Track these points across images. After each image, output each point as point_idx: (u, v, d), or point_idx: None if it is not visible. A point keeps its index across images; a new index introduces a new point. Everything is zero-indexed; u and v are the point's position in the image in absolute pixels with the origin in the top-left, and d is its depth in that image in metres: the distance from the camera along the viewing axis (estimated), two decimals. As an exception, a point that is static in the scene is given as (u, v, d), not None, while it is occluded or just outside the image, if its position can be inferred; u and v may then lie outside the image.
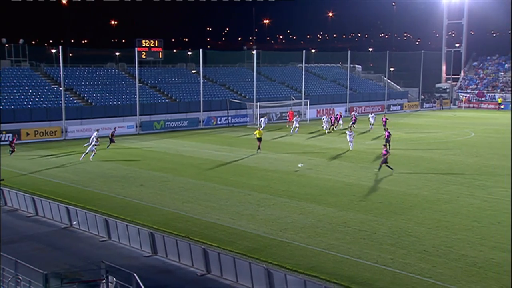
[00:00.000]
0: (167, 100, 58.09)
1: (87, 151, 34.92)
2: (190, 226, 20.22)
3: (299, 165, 31.80)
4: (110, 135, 40.39)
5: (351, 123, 49.55)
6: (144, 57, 61.01)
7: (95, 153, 35.01)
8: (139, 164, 33.51)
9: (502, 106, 76.14)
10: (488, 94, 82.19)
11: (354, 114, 53.51)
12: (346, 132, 39.90)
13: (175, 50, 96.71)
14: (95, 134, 37.11)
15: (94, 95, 54.31)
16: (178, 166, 32.66)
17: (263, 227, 20.04)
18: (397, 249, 17.66)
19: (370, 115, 53.33)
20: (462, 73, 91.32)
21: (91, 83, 57.06)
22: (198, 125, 55.08)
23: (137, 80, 53.71)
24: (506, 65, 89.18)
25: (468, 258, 16.82)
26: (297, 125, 48.26)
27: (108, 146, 39.49)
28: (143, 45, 60.81)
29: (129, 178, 29.07)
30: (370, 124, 51.22)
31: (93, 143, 35.29)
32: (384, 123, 47.94)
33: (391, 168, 29.95)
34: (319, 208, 22.78)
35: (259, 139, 36.85)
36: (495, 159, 34.64)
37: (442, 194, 25.10)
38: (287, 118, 57.02)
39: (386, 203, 23.51)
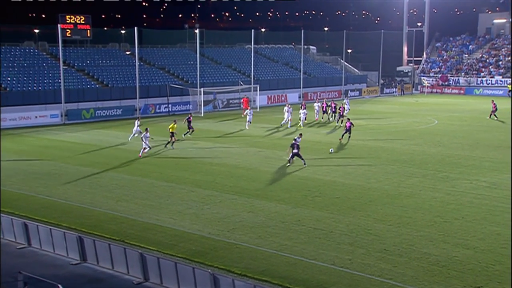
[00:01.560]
0: (97, 85, 57.03)
1: (146, 147, 33.28)
2: (125, 228, 20.07)
3: (330, 150, 33.77)
4: (186, 121, 39.86)
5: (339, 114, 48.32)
6: (69, 35, 59.36)
7: (147, 149, 33.45)
8: (65, 158, 32.88)
9: None
10: (452, 78, 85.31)
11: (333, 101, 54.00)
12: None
13: (105, 28, 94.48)
14: (137, 123, 38.00)
15: (9, 79, 52.42)
16: (111, 161, 32.26)
17: (209, 228, 20.06)
18: (356, 248, 18.02)
19: (345, 100, 54.61)
20: (424, 55, 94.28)
21: (4, 64, 54.89)
22: (134, 114, 54.15)
23: (61, 62, 52.39)
24: (470, 46, 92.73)
25: (430, 256, 17.33)
26: (250, 117, 45.53)
27: (186, 134, 39.45)
28: (68, 21, 58.99)
29: (53, 175, 28.47)
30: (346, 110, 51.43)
31: (143, 137, 33.48)
32: (333, 109, 49.03)
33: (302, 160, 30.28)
34: (270, 205, 22.91)
35: (172, 134, 35.78)
36: (459, 148, 35.97)
37: (404, 188, 25.68)
38: (242, 105, 56.69)
39: (344, 199, 23.86)
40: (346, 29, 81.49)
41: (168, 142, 36.02)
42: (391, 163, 31.20)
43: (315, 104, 51.28)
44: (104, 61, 63.01)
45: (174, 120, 38.58)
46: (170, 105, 57.03)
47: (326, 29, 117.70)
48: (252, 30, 66.79)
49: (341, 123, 45.46)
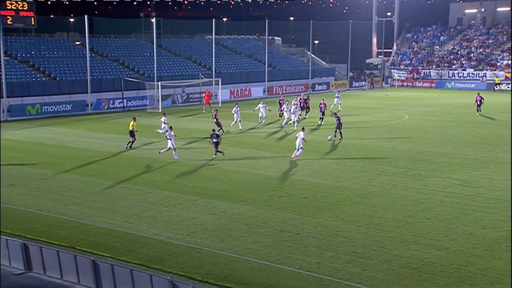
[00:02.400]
0: (44, 79, 56.12)
1: (171, 147, 31.63)
2: (76, 234, 19.87)
3: (329, 137, 35.17)
4: (214, 118, 39.25)
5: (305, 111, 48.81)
6: (11, 23, 57.87)
7: (168, 150, 31.95)
8: (8, 158, 32.22)
9: (500, 87, 75.78)
10: (423, 70, 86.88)
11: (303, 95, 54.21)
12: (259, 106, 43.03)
13: (52, 16, 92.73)
14: (164, 119, 38.02)
15: None
16: (59, 160, 31.95)
17: (167, 231, 20.03)
18: (324, 251, 18.19)
19: (337, 94, 55.53)
20: (394, 47, 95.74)
21: None
22: (86, 110, 53.67)
23: (1, 52, 51.00)
24: (441, 37, 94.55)
25: (401, 258, 17.59)
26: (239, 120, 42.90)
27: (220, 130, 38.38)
28: (8, 7, 57.38)
29: None
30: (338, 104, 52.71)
31: (167, 135, 32.18)
32: (302, 103, 48.81)
33: (221, 153, 31.68)
34: (233, 206, 22.99)
35: (132, 133, 35.10)
36: (431, 145, 36.67)
37: (374, 187, 26.06)
38: (203, 100, 56.18)
39: (311, 199, 24.06)
40: (313, 19, 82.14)
41: (129, 142, 35.30)
42: (361, 161, 31.57)
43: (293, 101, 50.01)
44: (51, 52, 61.89)
45: (134, 117, 37.85)
46: (125, 100, 56.48)
47: (291, 18, 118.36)
48: (213, 20, 66.88)
49: (322, 121, 45.17)
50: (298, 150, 31.31)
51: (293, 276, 16.37)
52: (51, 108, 51.42)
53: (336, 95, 54.88)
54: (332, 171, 29.18)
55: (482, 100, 52.03)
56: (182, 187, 25.91)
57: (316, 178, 27.63)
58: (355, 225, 20.60)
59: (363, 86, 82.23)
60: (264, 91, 69.00)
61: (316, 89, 76.18)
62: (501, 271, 16.62)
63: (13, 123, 46.36)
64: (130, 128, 35.33)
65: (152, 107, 55.91)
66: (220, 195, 24.59)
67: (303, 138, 31.30)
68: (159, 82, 55.55)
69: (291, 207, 22.82)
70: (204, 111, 52.88)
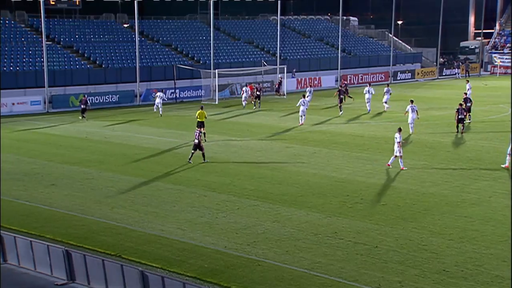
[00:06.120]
0: (88, 66, 57.57)
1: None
2: (123, 241, 20.11)
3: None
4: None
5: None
6: (53, 3, 60.00)
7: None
8: (50, 155, 32.99)
9: None
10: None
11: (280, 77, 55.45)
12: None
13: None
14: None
15: (-21, 56, 53.17)
16: (105, 158, 32.40)
17: (224, 240, 20.06)
18: (407, 268, 17.88)
19: (386, 88, 51.15)
20: (497, 27, 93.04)
21: (-28, 38, 55.80)
22: (134, 101, 54.75)
23: (44, 36, 52.67)
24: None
25: (504, 280, 17.00)
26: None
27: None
28: (51, -14, 59.74)
29: (34, 175, 28.64)
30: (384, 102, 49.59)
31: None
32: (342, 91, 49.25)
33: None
34: (300, 213, 22.87)
35: (201, 124, 35.58)
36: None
37: (469, 193, 25.44)
38: (248, 93, 55.77)
39: (392, 206, 23.75)
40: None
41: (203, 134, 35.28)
42: (452, 162, 31.02)
43: (366, 89, 49.69)
44: (96, 36, 63.61)
45: (201, 106, 38.48)
46: (177, 91, 57.17)
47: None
48: (279, -2, 66.80)
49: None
50: (395, 156, 29.74)
51: (370, 296, 16.22)
52: (96, 99, 52.66)
53: (385, 90, 50.33)
54: (417, 174, 28.73)
55: None
56: (242, 190, 25.97)
57: (397, 182, 27.29)
58: (445, 239, 20.26)
59: (456, 74, 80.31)
60: (336, 80, 68.41)
61: (398, 78, 74.85)
62: None
63: (55, 115, 47.60)
64: (201, 119, 35.78)
65: (208, 98, 56.41)
66: (284, 199, 24.51)
67: (398, 142, 29.50)
68: (216, 70, 55.99)
69: (367, 215, 22.64)
70: (252, 102, 52.56)
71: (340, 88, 51.95)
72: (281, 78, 60.41)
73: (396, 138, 29.44)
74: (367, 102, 48.49)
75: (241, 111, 50.29)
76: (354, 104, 51.55)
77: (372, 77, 71.15)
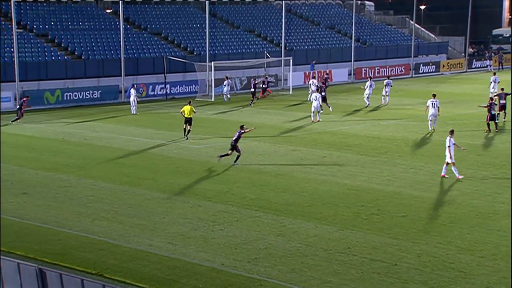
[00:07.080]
0: (66, 57, 56.87)
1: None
2: (105, 257, 19.97)
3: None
4: None
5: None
6: (25, -15, 58.96)
7: None
8: (21, 159, 32.76)
9: None
10: None
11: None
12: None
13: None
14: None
15: None
16: (85, 163, 32.22)
17: (222, 257, 19.93)
18: (432, 290, 17.61)
19: (386, 81, 52.13)
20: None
21: None
22: (118, 98, 54.32)
23: (14, 23, 51.46)
24: None
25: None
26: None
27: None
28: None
29: (2, 183, 27.70)
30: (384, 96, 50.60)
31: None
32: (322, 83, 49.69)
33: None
34: (308, 225, 22.68)
35: (188, 121, 36.40)
36: None
37: (502, 204, 24.95)
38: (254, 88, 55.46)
39: (413, 218, 23.49)
40: (419, -25, 79.70)
41: (187, 131, 36.62)
42: (482, 168, 30.62)
43: (368, 83, 49.89)
44: (75, 23, 62.67)
45: (189, 101, 38.57)
46: (168, 86, 56.39)
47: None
48: (284, -21, 66.47)
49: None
50: (446, 163, 28.83)
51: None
52: (75, 95, 51.91)
53: (385, 82, 51.04)
54: (441, 181, 28.47)
55: None
56: (241, 199, 25.83)
57: (419, 191, 26.90)
58: (475, 256, 19.88)
59: (487, 66, 79.10)
60: (349, 74, 67.31)
61: (420, 71, 73.73)
62: None
63: (27, 114, 46.09)
64: (189, 115, 36.06)
65: (203, 94, 55.91)
66: (290, 210, 24.36)
67: (448, 146, 28.56)
68: (212, 63, 55.31)
69: (385, 228, 22.40)
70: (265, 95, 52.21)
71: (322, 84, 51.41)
72: (267, 76, 58.72)
73: (447, 142, 28.54)
74: (367, 97, 48.95)
75: (241, 109, 49.87)
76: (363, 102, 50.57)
77: (391, 70, 69.67)
